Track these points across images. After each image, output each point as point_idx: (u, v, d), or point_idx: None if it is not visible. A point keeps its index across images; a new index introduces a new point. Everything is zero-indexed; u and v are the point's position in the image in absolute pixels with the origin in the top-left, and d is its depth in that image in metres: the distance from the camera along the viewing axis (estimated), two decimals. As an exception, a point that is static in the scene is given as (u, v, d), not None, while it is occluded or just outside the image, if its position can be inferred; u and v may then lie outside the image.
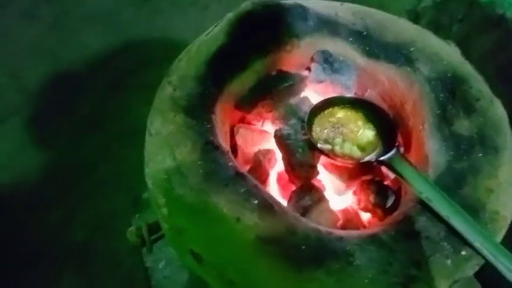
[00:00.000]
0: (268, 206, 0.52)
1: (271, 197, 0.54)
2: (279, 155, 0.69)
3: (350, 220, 0.65)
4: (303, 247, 0.50)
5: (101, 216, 1.28)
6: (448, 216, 0.53)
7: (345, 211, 0.67)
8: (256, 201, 0.52)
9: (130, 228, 0.57)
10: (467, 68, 0.68)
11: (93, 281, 1.18)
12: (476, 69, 0.69)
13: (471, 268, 0.52)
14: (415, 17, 1.51)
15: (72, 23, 1.80)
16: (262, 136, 0.71)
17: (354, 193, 0.67)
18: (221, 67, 0.68)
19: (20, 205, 1.31)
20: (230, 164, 0.57)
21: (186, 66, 0.68)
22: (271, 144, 0.70)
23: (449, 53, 0.70)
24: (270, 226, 0.50)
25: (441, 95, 0.64)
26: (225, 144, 0.63)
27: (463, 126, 0.61)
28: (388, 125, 0.66)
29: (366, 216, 0.68)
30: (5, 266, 1.20)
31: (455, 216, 0.53)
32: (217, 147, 0.59)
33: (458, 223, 0.53)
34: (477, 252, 0.52)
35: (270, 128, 0.72)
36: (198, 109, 0.63)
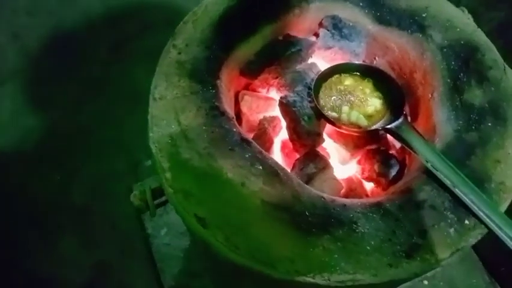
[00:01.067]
0: (273, 172, 0.52)
1: (276, 163, 0.54)
2: (284, 122, 0.68)
3: (353, 189, 0.65)
4: (308, 214, 0.50)
5: (100, 180, 1.29)
6: (453, 186, 0.53)
7: (349, 180, 0.66)
8: (261, 167, 0.51)
9: (134, 192, 0.57)
10: (480, 36, 0.66)
11: (91, 243, 1.19)
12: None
13: (474, 237, 0.52)
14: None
15: (73, -16, 1.75)
16: (268, 103, 0.70)
17: (359, 162, 0.67)
18: (228, 31, 0.66)
19: (20, 166, 1.31)
20: (235, 129, 0.56)
21: (192, 29, 0.66)
22: (276, 111, 0.69)
23: (463, 20, 0.68)
24: (275, 192, 0.50)
25: (453, 63, 0.62)
26: (230, 111, 0.62)
27: (475, 95, 0.60)
28: (396, 93, 0.65)
29: (369, 186, 0.68)
30: (5, 226, 1.22)
31: (461, 186, 0.53)
32: (222, 113, 0.58)
33: (464, 193, 0.53)
34: (481, 221, 0.52)
35: (275, 95, 0.71)
36: (204, 74, 0.62)
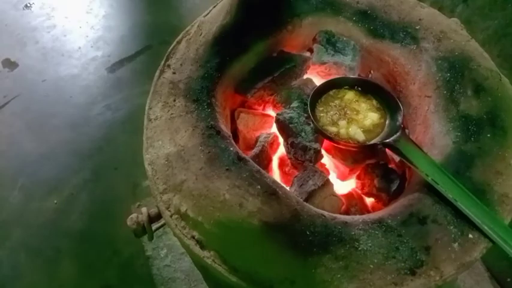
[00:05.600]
0: (271, 191, 0.50)
1: (274, 181, 0.53)
2: (281, 139, 0.67)
3: (354, 205, 0.64)
4: (308, 233, 0.49)
5: (98, 204, 1.28)
6: (455, 199, 0.52)
7: (349, 195, 0.65)
8: (258, 186, 0.50)
9: (130, 216, 0.56)
10: (474, 47, 0.66)
11: (91, 268, 1.17)
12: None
13: (479, 251, 0.51)
14: (418, -2, 1.48)
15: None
16: (264, 120, 0.69)
17: (358, 177, 0.66)
18: (221, 49, 0.66)
19: (18, 192, 1.30)
20: (232, 148, 0.56)
21: (186, 48, 0.66)
22: (273, 128, 0.69)
23: (456, 31, 0.68)
24: (274, 212, 0.49)
25: (448, 74, 0.62)
26: (226, 129, 0.61)
27: (472, 106, 0.59)
28: (394, 106, 0.64)
29: (370, 201, 0.67)
30: (4, 255, 1.20)
31: (462, 199, 0.52)
32: (218, 132, 0.57)
33: (466, 206, 0.52)
34: (485, 235, 0.51)
35: (271, 112, 0.71)
36: (198, 93, 0.62)
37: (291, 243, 0.48)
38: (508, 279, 1.13)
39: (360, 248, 0.49)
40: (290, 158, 0.64)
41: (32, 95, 1.51)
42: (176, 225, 0.51)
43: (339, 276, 0.47)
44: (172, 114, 0.60)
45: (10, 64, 1.60)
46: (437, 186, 0.53)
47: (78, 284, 1.14)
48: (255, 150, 0.64)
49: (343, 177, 0.65)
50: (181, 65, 0.64)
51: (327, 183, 0.60)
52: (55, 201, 1.26)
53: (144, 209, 0.57)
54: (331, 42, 0.69)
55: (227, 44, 0.66)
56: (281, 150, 0.68)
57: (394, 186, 0.62)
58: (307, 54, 0.72)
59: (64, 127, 1.42)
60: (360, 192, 0.66)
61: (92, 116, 1.45)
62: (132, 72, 1.55)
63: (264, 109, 0.71)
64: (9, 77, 1.57)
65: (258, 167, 0.55)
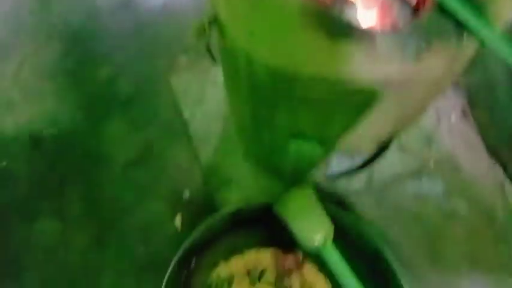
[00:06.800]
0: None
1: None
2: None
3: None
4: (339, 19, 0.63)
5: (141, 76, 1.45)
6: (455, 11, 0.64)
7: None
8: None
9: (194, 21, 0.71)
10: None
11: (135, 126, 1.37)
12: None
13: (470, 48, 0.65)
14: None
15: None
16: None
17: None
18: None
19: (70, 59, 1.48)
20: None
21: None
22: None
23: None
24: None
25: None
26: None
27: None
28: None
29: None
30: (65, 110, 1.40)
31: (463, 11, 0.65)
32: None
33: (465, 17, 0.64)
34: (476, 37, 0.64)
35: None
36: None
37: (323, 24, 0.62)
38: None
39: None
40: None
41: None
42: (227, 20, 0.65)
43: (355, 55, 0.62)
44: None
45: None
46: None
47: (125, 137, 1.34)
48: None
49: (367, 7, 0.78)
50: None
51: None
52: (105, 71, 1.43)
53: (203, 18, 0.72)
54: None
55: None
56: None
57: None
58: None
59: (111, 10, 1.56)
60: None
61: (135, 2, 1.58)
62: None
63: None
64: None
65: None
